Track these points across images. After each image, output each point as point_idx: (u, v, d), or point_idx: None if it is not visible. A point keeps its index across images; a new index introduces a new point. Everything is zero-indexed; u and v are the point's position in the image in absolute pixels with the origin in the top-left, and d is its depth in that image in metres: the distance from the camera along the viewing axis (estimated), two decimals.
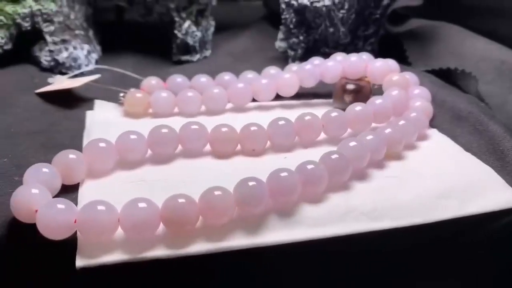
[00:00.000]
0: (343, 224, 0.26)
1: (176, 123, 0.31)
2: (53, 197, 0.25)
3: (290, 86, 0.37)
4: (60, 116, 0.36)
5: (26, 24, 0.42)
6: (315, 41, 0.45)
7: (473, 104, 0.36)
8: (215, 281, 0.26)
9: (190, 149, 0.31)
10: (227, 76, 0.39)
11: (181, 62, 0.47)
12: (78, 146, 0.31)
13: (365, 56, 0.38)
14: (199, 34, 0.47)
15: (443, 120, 0.36)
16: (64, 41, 0.43)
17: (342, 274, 0.27)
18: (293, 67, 0.40)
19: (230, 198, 0.25)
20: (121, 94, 0.37)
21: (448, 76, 0.42)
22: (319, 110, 0.33)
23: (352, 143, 0.29)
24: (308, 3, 0.43)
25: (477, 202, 0.28)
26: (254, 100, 0.38)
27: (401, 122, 0.31)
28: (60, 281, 0.24)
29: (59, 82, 0.39)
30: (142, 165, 0.30)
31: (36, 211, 0.23)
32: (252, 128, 0.31)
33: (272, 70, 0.40)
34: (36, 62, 0.43)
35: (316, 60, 0.39)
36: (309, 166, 0.26)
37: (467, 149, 0.32)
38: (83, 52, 0.44)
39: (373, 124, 0.33)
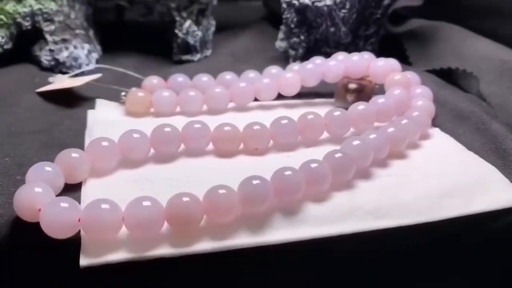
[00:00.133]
0: (347, 222, 0.26)
1: (178, 122, 0.31)
2: (56, 196, 0.25)
3: (292, 85, 0.37)
4: (61, 115, 0.35)
5: (27, 24, 0.42)
6: (316, 41, 0.45)
7: (475, 103, 0.36)
8: (219, 279, 0.25)
9: (193, 148, 0.31)
10: (228, 76, 0.39)
11: (181, 61, 0.47)
12: (80, 145, 0.30)
13: (367, 56, 0.38)
14: (199, 33, 0.47)
15: (445, 119, 0.36)
16: (64, 41, 0.43)
17: (346, 272, 0.27)
18: (295, 66, 0.40)
19: (235, 197, 0.24)
20: (123, 93, 0.36)
21: (449, 76, 0.42)
22: (321, 109, 0.33)
23: (356, 142, 0.28)
24: (309, 3, 0.43)
25: (481, 201, 0.28)
26: (256, 99, 0.38)
27: (404, 121, 0.31)
28: (64, 280, 0.24)
29: (60, 81, 0.39)
30: (145, 164, 0.30)
31: (40, 210, 0.23)
32: (255, 127, 0.31)
33: (274, 69, 0.40)
34: (36, 62, 0.43)
35: (317, 60, 0.38)
36: (313, 165, 0.26)
37: (470, 148, 0.32)
38: (83, 51, 0.44)
39: (376, 123, 0.33)
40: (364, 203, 0.27)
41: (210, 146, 0.31)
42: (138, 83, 0.39)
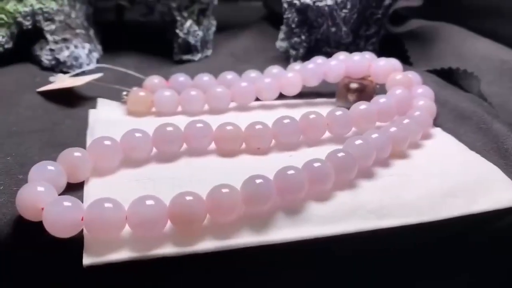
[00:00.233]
0: (350, 222, 0.26)
1: (180, 122, 0.31)
2: (59, 195, 0.25)
3: (294, 85, 0.37)
4: (62, 114, 0.35)
5: (27, 23, 0.42)
6: (317, 41, 0.45)
7: (476, 103, 0.37)
8: (222, 278, 0.25)
9: (195, 148, 0.31)
10: (230, 75, 0.39)
11: (182, 61, 0.47)
12: (81, 145, 0.30)
13: (368, 55, 0.38)
14: (200, 33, 0.47)
15: (447, 119, 0.36)
16: (65, 40, 0.43)
17: (349, 271, 0.27)
18: (296, 66, 0.40)
19: (238, 196, 0.24)
20: (124, 93, 0.36)
21: (449, 76, 0.42)
22: (322, 109, 0.33)
23: (358, 142, 0.29)
24: (310, 3, 0.43)
25: (483, 200, 0.28)
26: (257, 99, 0.38)
27: (406, 121, 0.31)
28: (67, 279, 0.24)
29: (60, 81, 0.39)
30: (147, 163, 0.30)
31: (42, 209, 0.23)
32: (257, 127, 0.31)
33: (275, 69, 0.40)
34: (37, 61, 0.43)
35: (319, 59, 0.38)
36: (316, 164, 0.26)
37: (471, 148, 0.32)
38: (84, 51, 0.44)
39: (377, 123, 0.33)
40: (367, 203, 0.27)
41: (212, 146, 0.31)
42: (139, 83, 0.39)
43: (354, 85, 0.37)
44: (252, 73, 0.40)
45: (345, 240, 0.25)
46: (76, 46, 0.43)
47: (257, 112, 0.37)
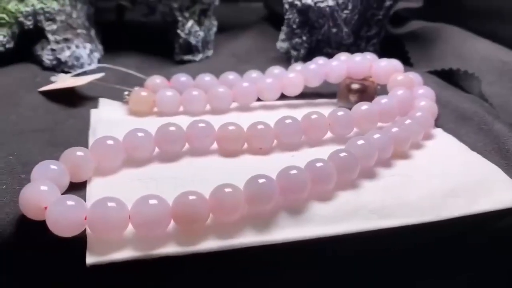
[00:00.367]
0: (352, 221, 0.26)
1: (182, 121, 0.31)
2: (61, 194, 0.25)
3: (295, 85, 0.38)
4: (64, 114, 0.35)
5: (29, 23, 0.42)
6: (318, 42, 0.46)
7: (477, 104, 0.37)
8: (225, 278, 0.25)
9: (198, 147, 0.31)
10: (231, 76, 0.39)
11: (183, 61, 0.47)
12: (83, 144, 0.30)
13: (369, 56, 0.38)
14: (202, 34, 0.47)
15: (448, 120, 0.36)
16: (66, 40, 0.43)
17: (351, 271, 0.27)
18: (298, 66, 0.40)
19: (241, 196, 0.25)
20: (126, 93, 0.36)
21: (450, 77, 0.42)
22: (324, 109, 0.33)
23: (360, 142, 0.29)
24: (311, 3, 0.43)
25: (485, 201, 0.28)
26: (258, 99, 0.38)
27: (407, 121, 0.31)
28: (70, 278, 0.24)
29: (62, 81, 0.39)
30: (149, 163, 0.30)
31: (46, 208, 0.23)
32: (259, 127, 0.31)
33: (276, 69, 0.40)
34: (38, 61, 0.43)
35: (320, 60, 0.39)
36: (318, 164, 0.27)
37: (473, 148, 0.32)
38: (85, 51, 0.44)
39: (379, 124, 0.33)
40: (368, 203, 0.27)
41: (214, 146, 0.31)
42: (140, 83, 0.39)
43: (355, 86, 0.37)
44: (254, 74, 0.40)
45: (347, 240, 0.25)
46: (77, 46, 0.43)
47: (258, 112, 0.38)
